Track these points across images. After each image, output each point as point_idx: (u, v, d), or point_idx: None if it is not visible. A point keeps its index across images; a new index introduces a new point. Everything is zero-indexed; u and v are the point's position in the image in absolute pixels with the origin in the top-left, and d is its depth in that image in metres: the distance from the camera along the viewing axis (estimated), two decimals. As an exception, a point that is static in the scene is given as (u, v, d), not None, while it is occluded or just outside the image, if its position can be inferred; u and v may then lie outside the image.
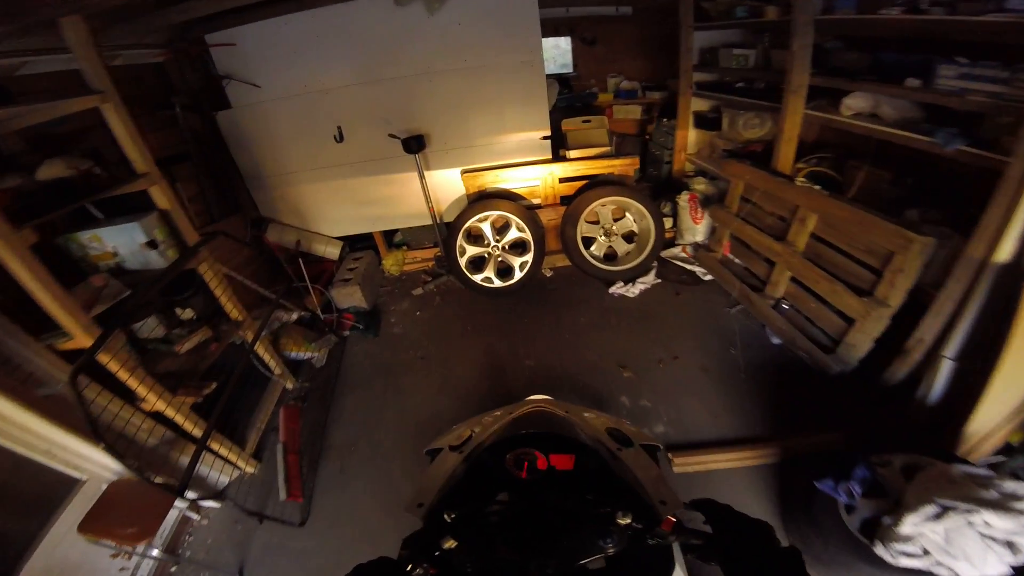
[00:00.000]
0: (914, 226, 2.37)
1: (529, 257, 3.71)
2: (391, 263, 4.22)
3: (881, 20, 2.44)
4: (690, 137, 4.35)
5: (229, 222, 3.66)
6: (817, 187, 2.80)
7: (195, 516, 2.56)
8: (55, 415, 1.87)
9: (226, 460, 2.61)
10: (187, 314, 2.85)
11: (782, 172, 3.17)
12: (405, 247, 4.33)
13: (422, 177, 3.65)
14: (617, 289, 3.68)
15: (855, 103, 2.71)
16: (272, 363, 3.15)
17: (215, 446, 2.51)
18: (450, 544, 0.86)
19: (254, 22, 3.20)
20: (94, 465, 2.08)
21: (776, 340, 3.06)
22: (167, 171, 3.07)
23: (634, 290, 3.65)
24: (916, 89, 2.36)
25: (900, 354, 2.43)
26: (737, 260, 3.55)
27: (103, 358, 1.92)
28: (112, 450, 1.77)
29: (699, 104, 4.21)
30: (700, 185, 3.94)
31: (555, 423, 1.22)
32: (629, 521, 0.87)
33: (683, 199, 3.88)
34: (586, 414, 1.27)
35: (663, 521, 0.86)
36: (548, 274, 4.03)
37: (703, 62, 4.05)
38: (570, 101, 4.68)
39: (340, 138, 3.63)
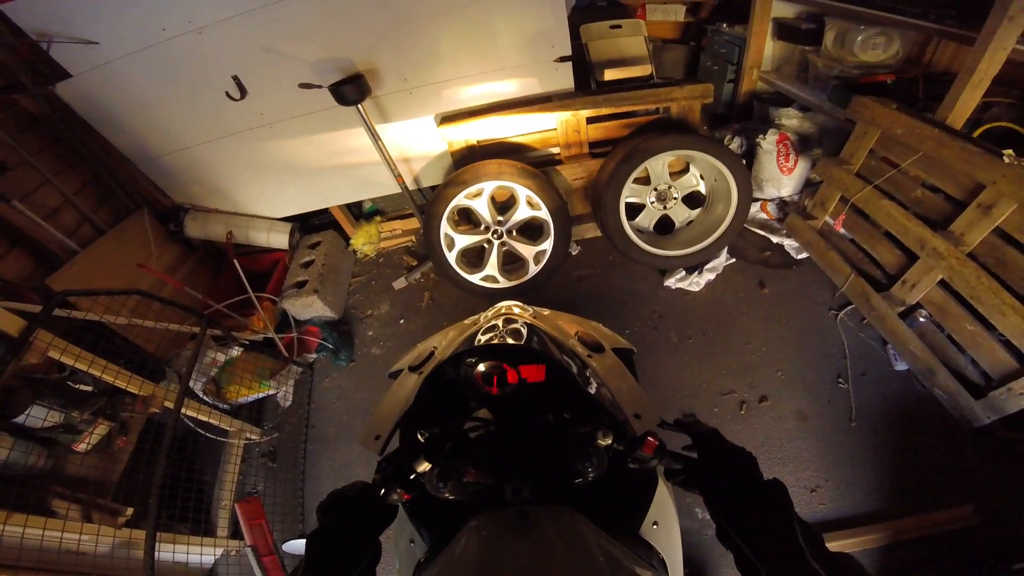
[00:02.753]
0: None
1: (547, 244, 2.70)
2: (362, 241, 3.26)
3: None
4: (767, 51, 3.22)
5: (128, 225, 2.73)
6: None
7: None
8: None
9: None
10: (85, 387, 2.22)
11: (958, 130, 2.02)
12: (378, 216, 3.32)
13: (374, 136, 2.54)
14: (676, 281, 2.74)
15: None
16: (218, 421, 2.48)
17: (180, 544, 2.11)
18: (424, 467, 0.81)
19: None
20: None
21: (902, 366, 2.26)
22: None
23: (700, 281, 2.70)
24: None
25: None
26: (846, 233, 2.53)
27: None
28: None
29: (782, 9, 3.03)
30: (791, 120, 2.78)
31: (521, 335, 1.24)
32: (609, 442, 0.82)
33: (769, 140, 2.76)
34: (559, 321, 1.27)
35: (644, 443, 0.81)
36: (574, 251, 3.05)
37: None
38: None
39: (241, 93, 2.48)
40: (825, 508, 1.96)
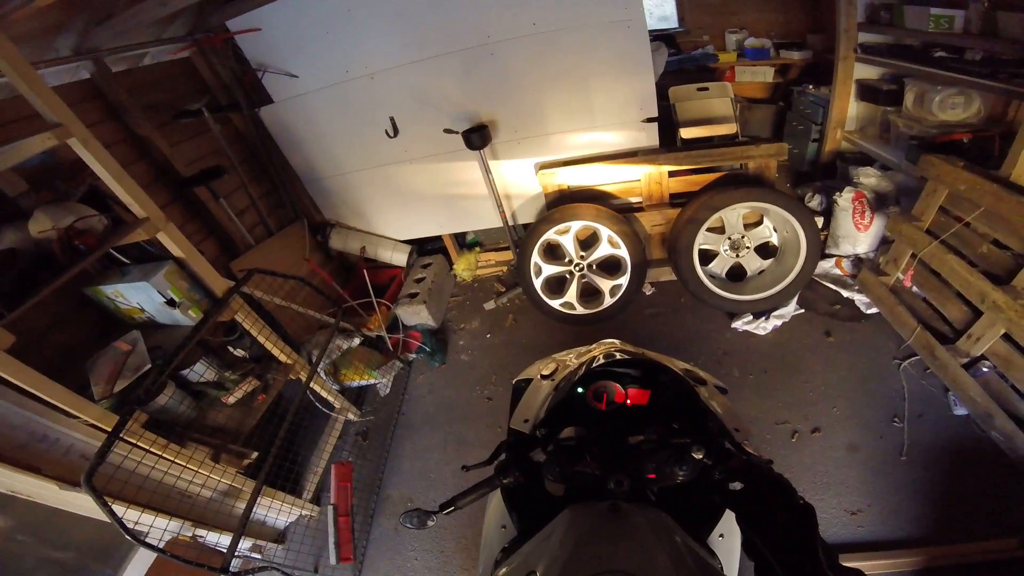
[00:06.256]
0: None
1: (623, 280, 3.10)
2: (463, 267, 3.87)
3: None
4: (850, 111, 3.48)
5: (289, 232, 3.51)
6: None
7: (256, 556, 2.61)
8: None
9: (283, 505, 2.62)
10: (239, 352, 2.80)
11: (1019, 184, 2.21)
12: (478, 247, 3.95)
13: (489, 176, 3.17)
14: (743, 324, 3.00)
15: None
16: (331, 398, 3.04)
17: (269, 498, 2.50)
18: (540, 457, 1.01)
19: (273, 1, 2.82)
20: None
21: (961, 411, 2.34)
22: (208, 187, 2.92)
23: (767, 325, 2.94)
24: None
25: None
26: (918, 291, 2.68)
27: (130, 438, 1.87)
28: (143, 543, 1.74)
29: (865, 71, 3.30)
30: (869, 178, 3.01)
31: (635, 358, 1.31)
32: (702, 456, 0.94)
33: (845, 197, 2.99)
34: (663, 357, 1.37)
35: (734, 457, 0.94)
36: (648, 292, 3.41)
37: (872, 19, 3.13)
38: (680, 64, 3.91)
39: (394, 132, 3.20)
40: (863, 530, 2.05)
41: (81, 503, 1.78)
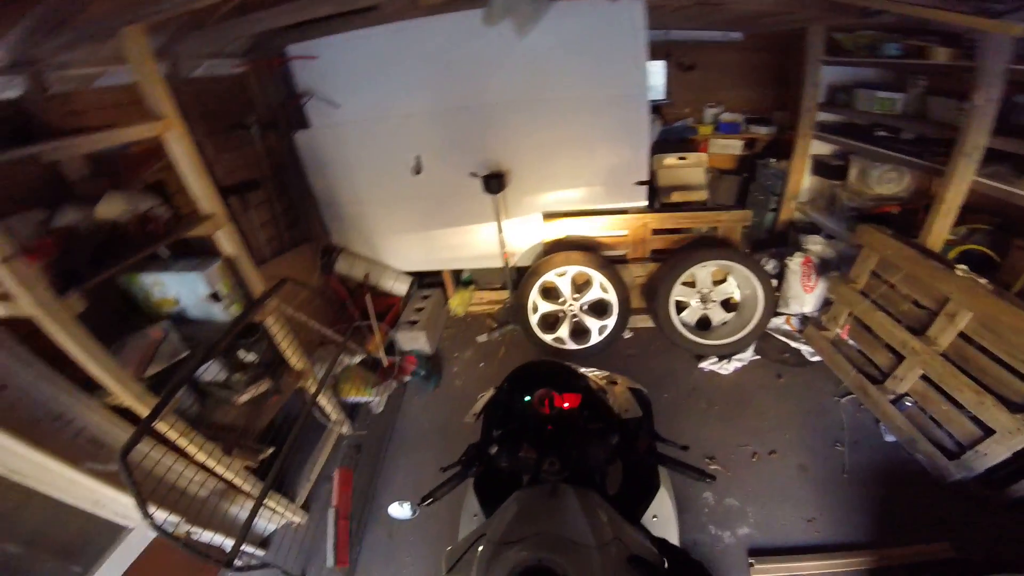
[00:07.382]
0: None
1: (610, 321, 3.52)
2: (457, 303, 4.19)
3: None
4: (803, 183, 4.02)
5: (300, 251, 3.74)
6: (983, 280, 2.43)
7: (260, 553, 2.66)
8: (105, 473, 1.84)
9: (275, 511, 2.68)
10: (249, 357, 2.87)
11: (931, 250, 2.81)
12: (472, 286, 4.29)
13: (499, 220, 3.54)
14: (709, 365, 3.45)
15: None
16: (330, 410, 3.18)
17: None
18: (494, 450, 1.35)
19: (336, 34, 3.12)
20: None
21: (890, 438, 2.83)
22: (241, 197, 3.11)
23: (728, 367, 3.40)
24: None
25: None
26: (853, 343, 3.22)
27: (159, 426, 1.92)
28: (161, 531, 1.73)
29: (819, 147, 3.86)
30: (816, 245, 3.59)
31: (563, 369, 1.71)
32: (617, 440, 1.31)
33: (795, 262, 3.55)
34: (583, 369, 1.77)
35: (641, 440, 1.37)
36: (627, 335, 3.84)
37: (831, 101, 3.72)
38: (664, 135, 4.45)
39: (418, 170, 3.54)
40: (820, 535, 2.40)
41: (75, 491, 1.83)
